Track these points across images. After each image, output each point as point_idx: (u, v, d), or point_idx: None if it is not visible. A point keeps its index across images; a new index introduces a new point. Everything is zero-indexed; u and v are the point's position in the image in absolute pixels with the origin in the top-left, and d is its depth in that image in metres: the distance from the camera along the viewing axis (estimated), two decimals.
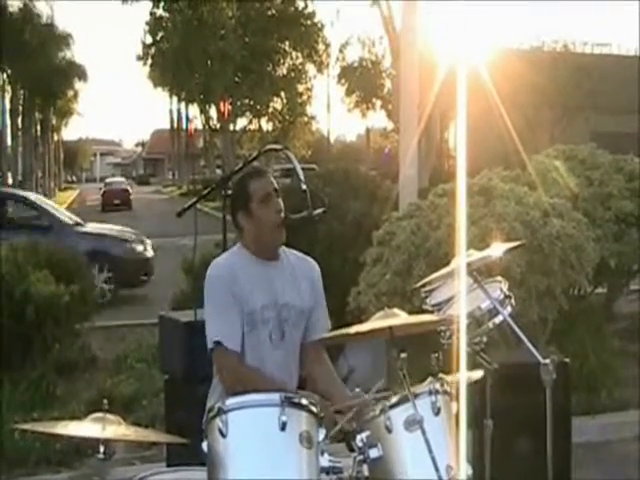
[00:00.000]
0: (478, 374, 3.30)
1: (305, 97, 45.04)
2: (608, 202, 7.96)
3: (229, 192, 3.61)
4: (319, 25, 42.99)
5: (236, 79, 41.78)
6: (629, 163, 8.70)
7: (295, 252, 3.53)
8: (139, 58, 47.20)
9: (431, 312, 3.48)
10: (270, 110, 45.12)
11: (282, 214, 3.36)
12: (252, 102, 43.67)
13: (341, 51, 46.81)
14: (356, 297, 6.83)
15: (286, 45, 43.05)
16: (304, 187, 3.55)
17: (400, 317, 2.83)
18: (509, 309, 3.36)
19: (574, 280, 6.66)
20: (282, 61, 43.82)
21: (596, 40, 32.48)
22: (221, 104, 43.89)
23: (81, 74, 47.96)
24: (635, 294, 9.78)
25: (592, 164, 8.48)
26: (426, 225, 6.68)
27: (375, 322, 2.85)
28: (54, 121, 58.39)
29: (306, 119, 46.09)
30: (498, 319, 3.31)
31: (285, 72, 43.90)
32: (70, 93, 51.55)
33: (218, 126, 46.96)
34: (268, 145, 4.16)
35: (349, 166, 11.50)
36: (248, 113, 45.47)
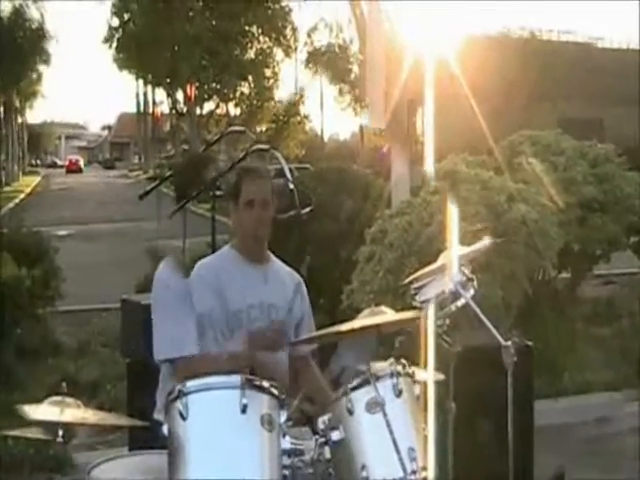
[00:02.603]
0: (439, 376, 3.30)
1: (272, 81, 44.87)
2: (572, 187, 8.02)
3: (217, 193, 3.65)
4: (286, 9, 42.80)
5: (203, 62, 41.41)
6: (593, 149, 8.78)
7: (282, 264, 3.57)
8: (105, 40, 46.66)
9: (420, 309, 3.48)
10: (237, 94, 44.86)
11: (259, 227, 3.38)
12: (219, 86, 43.33)
13: (309, 35, 46.74)
14: (349, 295, 6.82)
15: (254, 29, 42.77)
16: (291, 187, 3.60)
17: (386, 314, 2.82)
18: (472, 292, 3.37)
19: (538, 264, 6.72)
20: (250, 45, 43.51)
21: (561, 27, 32.79)
22: (188, 88, 43.55)
23: (45, 56, 47.28)
24: (599, 279, 9.89)
25: (557, 149, 8.54)
26: (418, 222, 6.67)
27: (361, 320, 2.85)
28: (17, 103, 57.53)
29: (299, 118, 46.00)
30: (460, 302, 3.31)
31: (252, 56, 43.59)
32: (34, 75, 50.82)
33: (185, 110, 46.60)
34: (256, 145, 4.16)
35: (342, 164, 11.50)
36: (215, 97, 45.15)
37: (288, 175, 3.67)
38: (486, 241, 3.69)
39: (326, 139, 54.10)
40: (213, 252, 3.68)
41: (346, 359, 5.89)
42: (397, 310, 3.01)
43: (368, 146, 51.79)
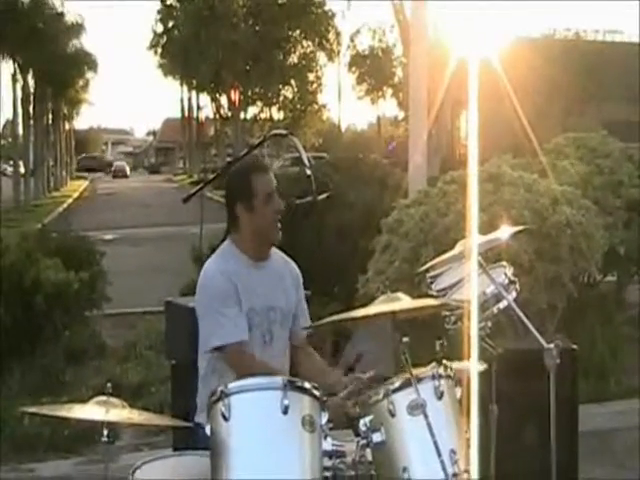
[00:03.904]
0: (482, 366, 3.28)
1: (316, 86, 44.95)
2: (618, 190, 7.93)
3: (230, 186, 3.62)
4: (329, 14, 42.88)
5: (247, 67, 41.68)
6: (639, 151, 8.67)
7: (279, 253, 3.56)
8: (150, 47, 47.21)
9: (436, 297, 3.47)
10: (281, 99, 45.04)
11: (279, 214, 3.38)
12: (263, 91, 43.59)
13: (352, 40, 46.81)
14: (365, 284, 6.83)
15: (297, 33, 42.93)
16: (308, 173, 3.58)
17: (403, 301, 2.82)
18: (514, 294, 3.35)
19: (583, 268, 6.65)
20: (293, 49, 43.68)
21: (607, 27, 32.35)
22: (232, 93, 43.84)
23: (91, 63, 47.97)
24: None
25: (602, 152, 8.44)
26: (434, 212, 6.67)
27: (377, 306, 2.85)
28: (65, 110, 58.41)
29: (317, 107, 45.97)
30: (502, 304, 3.30)
31: (296, 61, 43.75)
32: (81, 82, 51.56)
33: (229, 115, 46.92)
34: (273, 131, 4.17)
35: (359, 154, 11.48)
36: (259, 102, 45.38)
37: (306, 162, 3.65)
38: (506, 231, 3.66)
39: (343, 129, 53.93)
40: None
41: (361, 346, 5.91)
42: (413, 298, 3.00)
43: (384, 136, 51.75)
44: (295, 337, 3.52)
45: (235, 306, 3.29)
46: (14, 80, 38.62)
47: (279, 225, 3.38)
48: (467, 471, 2.65)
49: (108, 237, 20.17)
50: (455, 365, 2.86)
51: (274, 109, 46.32)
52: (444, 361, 2.81)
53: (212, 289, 3.33)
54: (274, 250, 3.52)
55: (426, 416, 2.63)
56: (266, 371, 3.16)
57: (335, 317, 2.97)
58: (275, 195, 3.37)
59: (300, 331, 3.51)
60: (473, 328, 3.01)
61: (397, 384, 2.73)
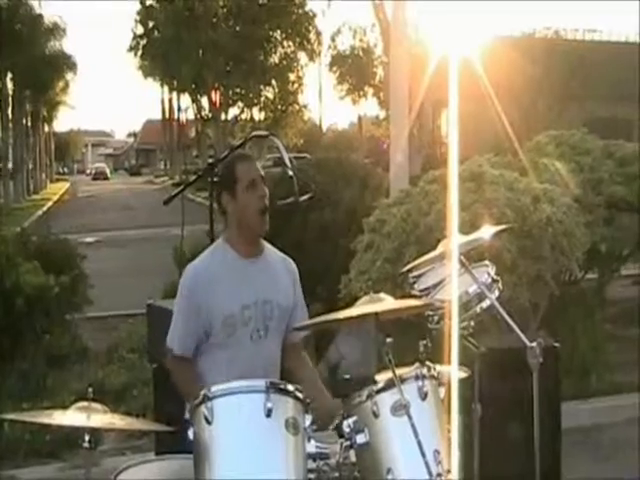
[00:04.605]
0: (464, 373, 3.28)
1: (297, 86, 44.92)
2: (599, 187, 7.95)
3: (216, 177, 3.61)
4: (310, 14, 42.85)
5: (228, 68, 41.57)
6: (620, 148, 8.70)
7: (276, 251, 3.53)
8: (130, 49, 46.96)
9: (419, 297, 3.46)
10: (262, 99, 44.97)
11: (266, 201, 3.34)
12: (244, 91, 43.49)
13: (333, 39, 46.80)
14: (347, 284, 6.81)
15: (277, 34, 42.88)
16: (290, 173, 3.56)
17: (385, 302, 2.81)
18: (497, 293, 3.35)
19: (565, 265, 6.66)
20: (274, 50, 43.61)
21: (586, 26, 32.58)
22: (213, 93, 43.71)
23: (71, 65, 47.72)
24: (626, 279, 9.79)
25: (583, 149, 8.47)
26: (416, 212, 6.66)
27: (360, 307, 2.83)
28: (45, 112, 58.05)
29: (298, 107, 45.94)
30: (485, 303, 3.30)
31: (277, 61, 43.69)
32: (60, 84, 51.25)
33: (210, 116, 46.78)
34: (255, 132, 4.14)
35: (341, 154, 11.45)
36: (240, 102, 45.28)
37: (287, 162, 3.63)
38: (488, 230, 3.67)
39: (325, 129, 54.10)
40: (212, 241, 3.62)
41: (344, 347, 5.89)
42: (396, 298, 2.98)
43: (365, 136, 51.84)
44: (291, 337, 3.47)
45: (192, 316, 3.30)
46: None
47: (264, 213, 3.32)
48: (450, 471, 2.65)
49: (89, 240, 20.06)
50: (439, 368, 2.85)
51: (255, 110, 46.24)
52: (427, 362, 2.80)
53: (181, 288, 3.37)
54: (269, 247, 3.49)
55: (410, 417, 2.62)
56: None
57: (318, 319, 2.95)
58: (259, 182, 3.34)
59: (295, 332, 3.45)
60: (454, 328, 3.01)
61: (381, 385, 2.72)
